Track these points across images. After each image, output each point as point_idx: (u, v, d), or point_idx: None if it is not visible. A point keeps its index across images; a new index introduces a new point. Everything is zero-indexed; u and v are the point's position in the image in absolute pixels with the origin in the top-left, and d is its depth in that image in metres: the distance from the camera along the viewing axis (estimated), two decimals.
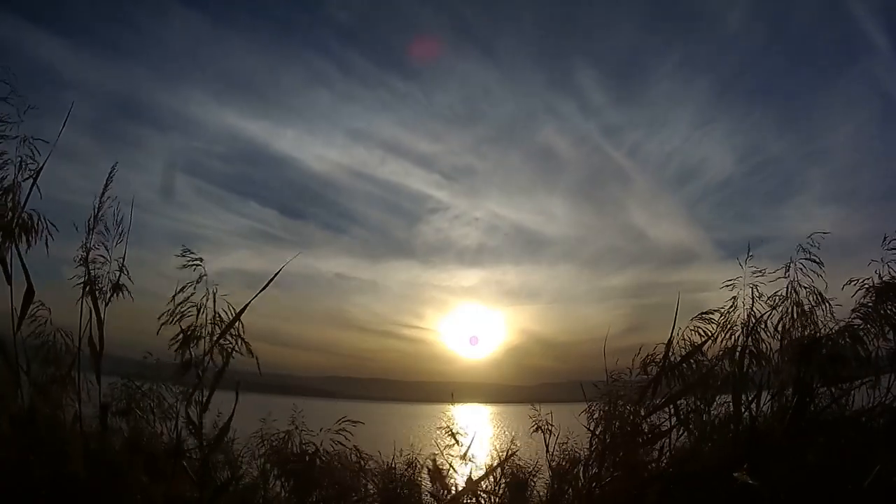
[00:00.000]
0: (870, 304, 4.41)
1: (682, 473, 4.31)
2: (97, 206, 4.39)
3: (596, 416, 4.72)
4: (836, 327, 4.47)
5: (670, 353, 4.53)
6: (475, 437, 6.08)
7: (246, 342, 4.62)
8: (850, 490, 3.81)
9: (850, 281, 4.53)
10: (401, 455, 6.05)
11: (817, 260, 4.53)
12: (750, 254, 4.63)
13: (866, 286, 4.45)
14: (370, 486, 5.53)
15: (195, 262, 4.44)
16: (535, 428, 5.68)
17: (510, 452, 5.78)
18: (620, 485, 4.38)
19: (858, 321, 4.42)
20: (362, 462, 5.37)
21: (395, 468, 5.90)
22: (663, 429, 4.53)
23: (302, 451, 5.19)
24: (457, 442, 6.09)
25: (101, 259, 4.45)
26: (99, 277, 4.42)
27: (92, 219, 4.38)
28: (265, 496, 5.32)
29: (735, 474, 3.56)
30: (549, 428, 5.61)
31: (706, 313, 4.71)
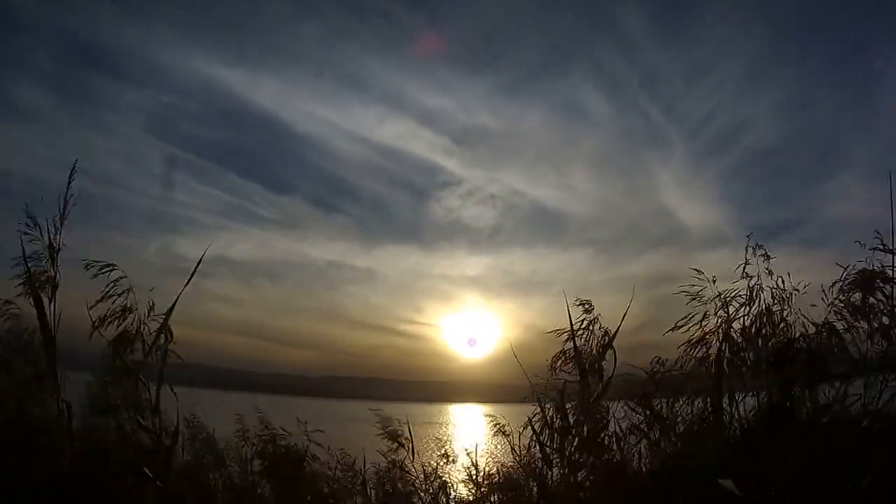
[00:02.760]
0: (846, 298, 4.35)
1: (661, 475, 4.31)
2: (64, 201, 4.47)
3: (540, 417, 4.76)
4: (815, 325, 4.40)
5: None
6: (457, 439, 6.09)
7: (169, 336, 4.59)
8: (836, 494, 3.78)
9: (834, 283, 4.45)
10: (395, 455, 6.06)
11: (767, 254, 4.48)
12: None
13: (844, 280, 4.38)
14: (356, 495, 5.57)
15: (107, 269, 4.52)
16: (496, 431, 5.54)
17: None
18: (596, 488, 4.39)
19: (834, 316, 4.36)
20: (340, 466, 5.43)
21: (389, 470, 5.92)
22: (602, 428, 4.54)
23: (286, 453, 5.25)
24: (401, 445, 5.87)
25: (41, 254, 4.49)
26: (36, 273, 4.46)
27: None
28: (258, 495, 5.36)
29: (720, 481, 3.53)
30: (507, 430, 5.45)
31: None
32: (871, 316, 4.30)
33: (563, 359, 4.75)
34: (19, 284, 4.50)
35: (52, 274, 4.53)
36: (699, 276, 4.59)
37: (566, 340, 4.77)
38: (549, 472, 4.68)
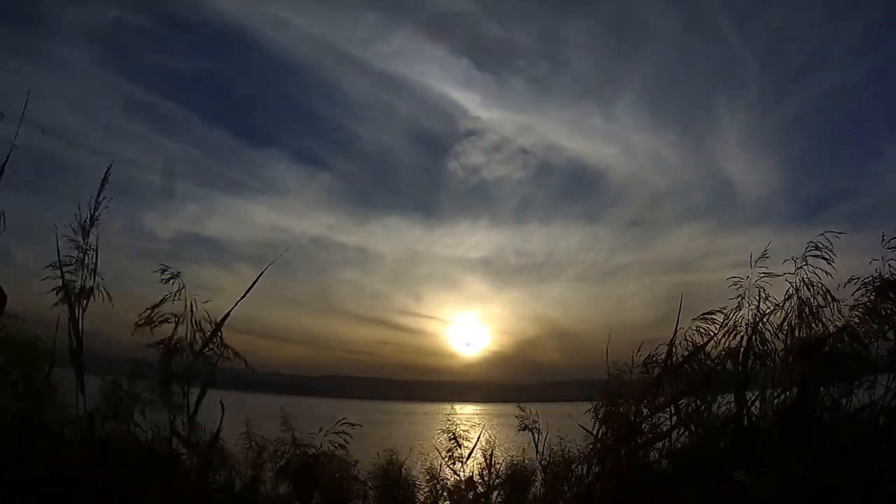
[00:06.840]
0: (868, 303, 4.40)
1: (683, 473, 4.27)
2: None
3: (599, 416, 4.70)
4: (838, 325, 4.44)
5: (673, 353, 4.51)
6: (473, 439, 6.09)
7: (232, 349, 4.70)
8: (850, 487, 3.77)
9: (851, 279, 4.51)
10: (399, 455, 6.04)
11: (828, 258, 4.48)
12: (766, 255, 4.64)
13: (866, 283, 4.44)
14: (368, 490, 5.55)
15: (173, 277, 4.65)
16: (521, 427, 5.66)
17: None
18: (620, 484, 4.35)
19: (857, 320, 4.40)
20: (356, 466, 5.41)
21: (393, 469, 5.89)
22: (663, 429, 4.49)
23: (302, 453, 5.20)
24: (458, 444, 6.08)
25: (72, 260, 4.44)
26: (72, 282, 4.40)
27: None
28: (264, 496, 5.30)
29: (734, 474, 3.54)
30: (536, 427, 5.59)
31: (708, 314, 4.68)
32: (887, 318, 4.35)
33: (652, 362, 4.73)
34: (52, 290, 4.38)
35: (91, 285, 4.48)
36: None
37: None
38: (602, 470, 4.66)
